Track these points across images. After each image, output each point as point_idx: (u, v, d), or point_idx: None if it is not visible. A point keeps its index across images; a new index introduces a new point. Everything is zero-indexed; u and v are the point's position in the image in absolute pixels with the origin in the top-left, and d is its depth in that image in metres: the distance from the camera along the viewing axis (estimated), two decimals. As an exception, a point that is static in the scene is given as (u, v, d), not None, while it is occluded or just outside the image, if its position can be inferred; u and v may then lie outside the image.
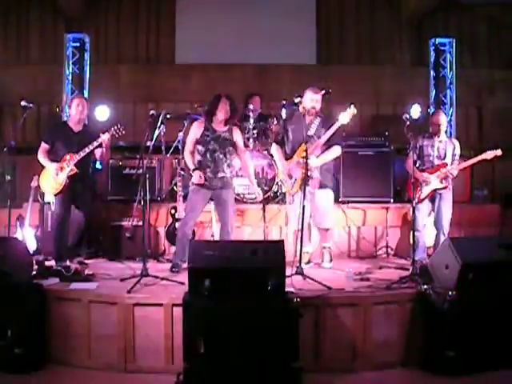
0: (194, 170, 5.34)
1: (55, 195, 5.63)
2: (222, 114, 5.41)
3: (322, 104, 5.69)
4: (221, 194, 5.43)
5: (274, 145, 5.94)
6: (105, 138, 5.48)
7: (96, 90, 8.56)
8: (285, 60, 9.47)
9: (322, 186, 5.63)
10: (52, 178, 5.55)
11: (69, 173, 5.51)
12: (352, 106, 5.43)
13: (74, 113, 5.70)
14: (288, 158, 5.73)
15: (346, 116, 5.43)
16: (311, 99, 5.60)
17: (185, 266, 5.38)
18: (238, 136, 5.54)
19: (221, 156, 5.40)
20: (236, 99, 7.65)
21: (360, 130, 8.78)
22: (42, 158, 5.64)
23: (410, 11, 9.75)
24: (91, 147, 5.50)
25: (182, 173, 6.36)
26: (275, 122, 7.26)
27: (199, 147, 5.41)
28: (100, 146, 5.56)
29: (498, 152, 5.89)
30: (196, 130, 5.47)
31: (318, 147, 5.55)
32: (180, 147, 6.70)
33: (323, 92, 5.72)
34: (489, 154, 5.92)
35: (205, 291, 3.88)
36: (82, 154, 5.50)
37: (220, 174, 5.39)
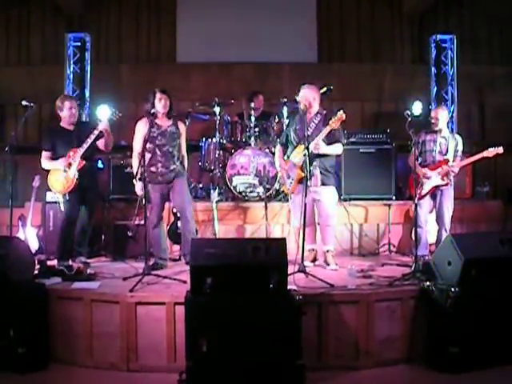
0: (138, 179, 5.15)
1: (68, 193, 5.57)
2: (160, 108, 5.40)
3: (315, 99, 5.56)
4: (175, 184, 5.49)
5: (277, 145, 5.93)
6: (103, 124, 5.51)
7: (97, 90, 8.55)
8: (285, 58, 9.46)
9: (324, 184, 5.54)
10: (62, 175, 5.53)
11: (78, 166, 5.51)
12: (341, 110, 5.32)
13: (66, 115, 5.67)
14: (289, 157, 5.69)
15: (335, 121, 5.31)
16: (298, 95, 5.57)
17: (163, 262, 5.58)
18: (183, 130, 5.60)
19: (170, 150, 5.43)
20: (236, 98, 7.71)
21: (361, 127, 8.79)
22: (47, 163, 5.63)
23: (411, 8, 9.72)
24: (93, 137, 5.51)
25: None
26: (277, 120, 7.25)
27: (148, 145, 5.27)
28: (100, 136, 5.60)
29: (500, 150, 5.86)
30: (141, 129, 5.41)
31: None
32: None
33: (306, 85, 5.59)
34: (490, 152, 5.89)
35: (207, 289, 3.88)
36: (85, 145, 5.51)
37: (172, 167, 5.45)
